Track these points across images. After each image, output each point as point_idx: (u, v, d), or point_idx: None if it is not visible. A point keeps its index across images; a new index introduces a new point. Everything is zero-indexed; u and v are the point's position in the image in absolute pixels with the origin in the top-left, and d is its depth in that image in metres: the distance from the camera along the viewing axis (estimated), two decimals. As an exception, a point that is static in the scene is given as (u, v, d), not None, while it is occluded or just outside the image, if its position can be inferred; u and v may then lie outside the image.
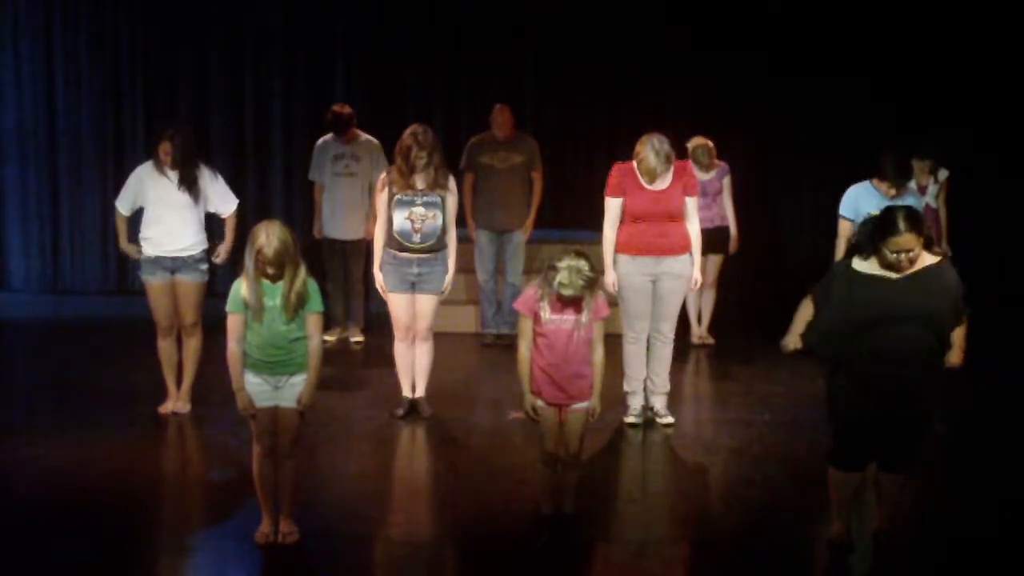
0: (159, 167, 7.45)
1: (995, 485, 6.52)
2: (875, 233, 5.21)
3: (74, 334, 10.49)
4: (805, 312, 5.48)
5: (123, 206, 7.56)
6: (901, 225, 5.14)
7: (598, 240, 7.48)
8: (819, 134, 11.53)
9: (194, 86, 11.74)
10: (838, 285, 5.30)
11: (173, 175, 7.43)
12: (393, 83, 11.68)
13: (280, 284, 5.32)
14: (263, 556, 5.43)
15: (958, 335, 5.40)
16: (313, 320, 5.40)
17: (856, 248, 5.33)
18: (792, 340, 5.54)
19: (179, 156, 7.38)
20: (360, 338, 9.85)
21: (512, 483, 6.42)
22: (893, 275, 5.20)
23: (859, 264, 5.28)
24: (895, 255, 5.15)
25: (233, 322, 5.38)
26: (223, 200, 7.64)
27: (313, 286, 5.40)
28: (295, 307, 5.33)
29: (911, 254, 5.17)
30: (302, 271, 5.35)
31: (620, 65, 11.50)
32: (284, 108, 11.78)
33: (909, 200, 7.57)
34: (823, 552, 5.60)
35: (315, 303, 5.40)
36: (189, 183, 7.41)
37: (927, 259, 5.25)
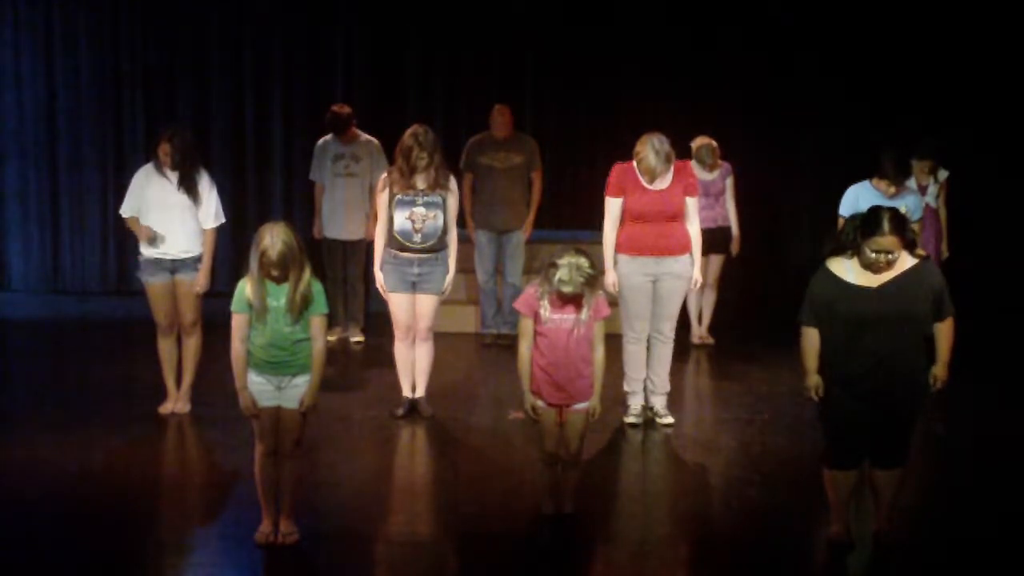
0: (159, 168, 7.44)
1: (995, 485, 6.52)
2: (859, 230, 5.24)
3: (74, 334, 10.50)
4: (810, 345, 5.41)
5: (126, 210, 7.52)
6: (885, 226, 5.17)
7: (598, 240, 7.48)
8: (819, 134, 11.53)
9: (194, 86, 11.75)
10: (819, 288, 5.33)
11: (173, 176, 7.42)
12: (393, 83, 11.68)
13: (285, 285, 5.32)
14: (263, 556, 5.43)
15: (943, 346, 5.38)
16: (317, 322, 5.40)
17: (840, 247, 5.34)
18: (814, 381, 5.39)
19: (178, 157, 7.37)
20: (360, 338, 9.85)
21: (512, 483, 6.42)
22: (871, 284, 5.24)
23: (839, 266, 5.31)
24: (874, 255, 5.19)
25: (237, 322, 5.39)
26: (211, 214, 7.48)
27: (318, 288, 5.40)
28: (300, 309, 5.33)
29: (890, 256, 5.20)
30: (307, 273, 5.35)
31: (620, 65, 11.51)
32: (284, 108, 11.78)
33: (909, 199, 7.59)
34: (823, 552, 5.61)
35: (320, 305, 5.40)
36: (189, 184, 7.40)
37: (907, 261, 5.28)
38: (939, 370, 5.43)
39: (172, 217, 7.41)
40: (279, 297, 5.33)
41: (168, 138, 7.39)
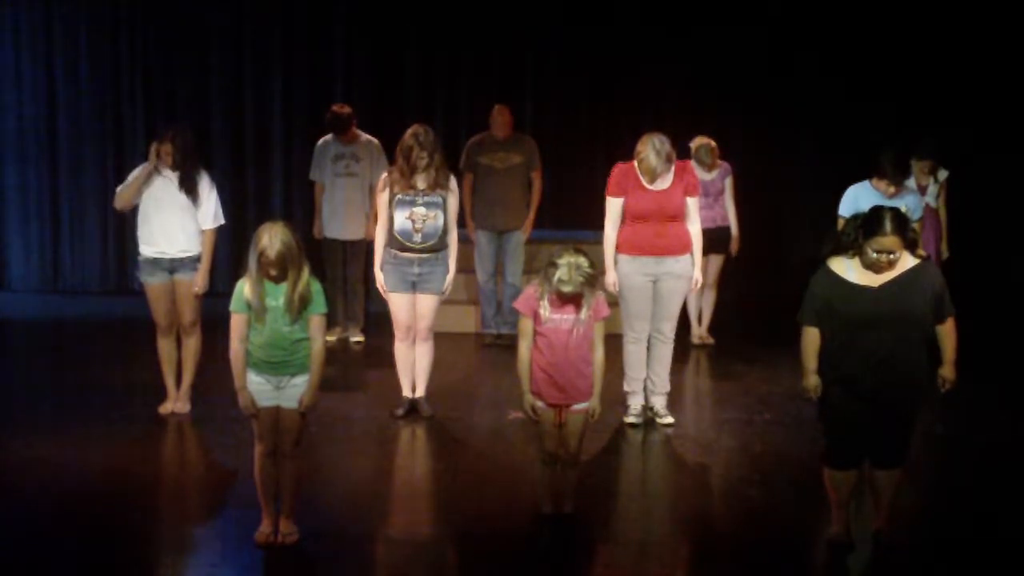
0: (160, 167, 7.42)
1: (995, 485, 6.52)
2: (861, 230, 5.24)
3: (74, 334, 10.50)
4: (811, 344, 5.40)
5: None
6: (887, 226, 5.18)
7: (598, 240, 7.48)
8: (819, 134, 11.54)
9: (194, 86, 11.75)
10: (820, 288, 5.34)
11: (173, 176, 7.41)
12: (393, 83, 11.69)
13: (283, 285, 5.32)
14: (263, 556, 5.42)
15: (948, 347, 5.40)
16: (316, 322, 5.40)
17: (841, 247, 5.35)
18: (812, 382, 5.39)
19: (179, 157, 7.36)
20: (360, 338, 9.85)
21: (512, 483, 6.42)
22: (871, 283, 5.25)
23: (840, 266, 5.31)
24: (876, 255, 5.19)
25: (236, 322, 5.39)
26: (210, 214, 7.46)
27: (317, 288, 5.40)
28: (298, 309, 5.33)
29: (892, 256, 5.20)
30: (305, 273, 5.35)
31: (620, 65, 11.51)
32: (284, 108, 11.78)
33: (909, 199, 7.59)
34: (823, 552, 5.61)
35: (318, 305, 5.40)
36: (189, 185, 7.38)
37: (908, 261, 5.28)
38: (946, 371, 5.45)
39: (171, 216, 7.39)
40: (278, 297, 5.33)
41: (170, 138, 7.37)
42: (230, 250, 10.84)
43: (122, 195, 7.48)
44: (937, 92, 11.03)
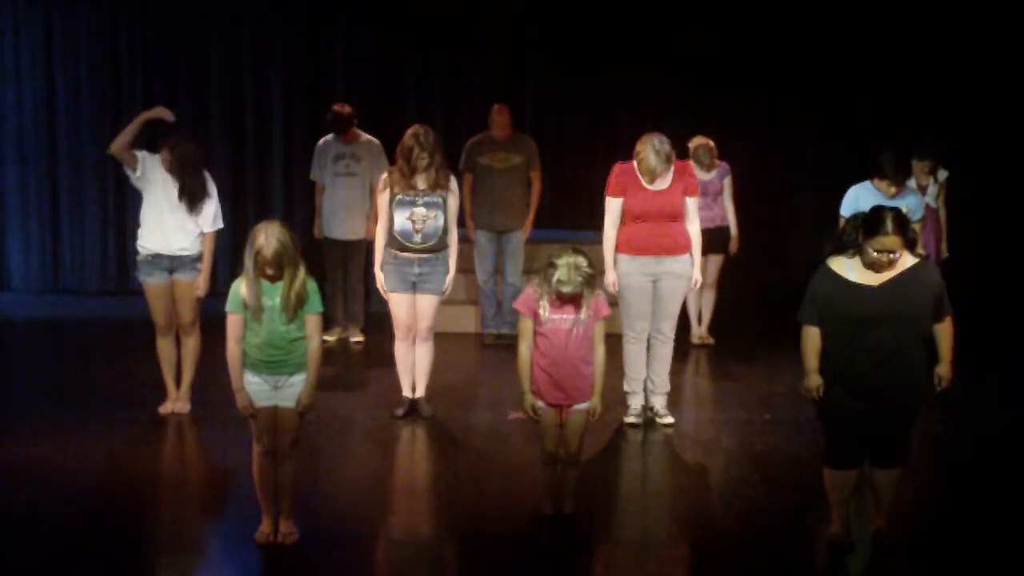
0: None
1: (995, 485, 6.52)
2: (861, 230, 5.25)
3: (74, 334, 10.49)
4: (812, 344, 5.40)
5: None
6: (888, 226, 5.19)
7: (598, 240, 7.49)
8: (819, 134, 11.54)
9: (194, 86, 11.75)
10: (820, 287, 5.34)
11: (173, 180, 7.37)
12: (393, 83, 11.69)
13: (280, 284, 5.32)
14: (263, 556, 5.43)
15: (945, 346, 5.41)
16: (313, 321, 5.40)
17: (842, 246, 5.35)
18: (814, 381, 5.38)
19: (177, 167, 7.32)
20: (360, 338, 9.85)
21: (512, 483, 6.42)
22: (872, 283, 5.26)
23: (840, 265, 5.32)
24: (877, 254, 5.20)
25: (233, 322, 5.39)
26: (210, 218, 7.44)
27: (313, 287, 5.40)
28: (294, 308, 5.33)
29: (892, 255, 5.21)
30: (301, 272, 5.35)
31: (620, 65, 11.51)
32: (284, 108, 11.78)
33: (909, 199, 7.59)
34: (823, 552, 5.61)
35: (315, 304, 5.40)
36: (188, 195, 7.33)
37: (908, 260, 5.29)
38: (944, 370, 5.46)
39: (170, 216, 7.36)
40: (274, 296, 5.32)
41: (170, 146, 7.34)
42: (230, 250, 10.83)
43: (117, 140, 7.46)
44: (937, 92, 11.03)
